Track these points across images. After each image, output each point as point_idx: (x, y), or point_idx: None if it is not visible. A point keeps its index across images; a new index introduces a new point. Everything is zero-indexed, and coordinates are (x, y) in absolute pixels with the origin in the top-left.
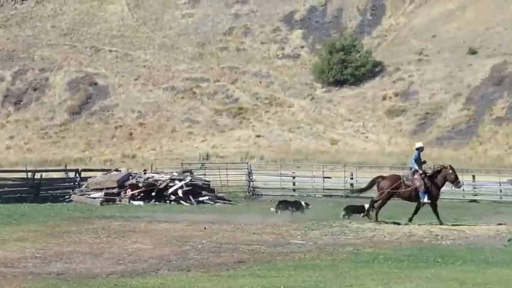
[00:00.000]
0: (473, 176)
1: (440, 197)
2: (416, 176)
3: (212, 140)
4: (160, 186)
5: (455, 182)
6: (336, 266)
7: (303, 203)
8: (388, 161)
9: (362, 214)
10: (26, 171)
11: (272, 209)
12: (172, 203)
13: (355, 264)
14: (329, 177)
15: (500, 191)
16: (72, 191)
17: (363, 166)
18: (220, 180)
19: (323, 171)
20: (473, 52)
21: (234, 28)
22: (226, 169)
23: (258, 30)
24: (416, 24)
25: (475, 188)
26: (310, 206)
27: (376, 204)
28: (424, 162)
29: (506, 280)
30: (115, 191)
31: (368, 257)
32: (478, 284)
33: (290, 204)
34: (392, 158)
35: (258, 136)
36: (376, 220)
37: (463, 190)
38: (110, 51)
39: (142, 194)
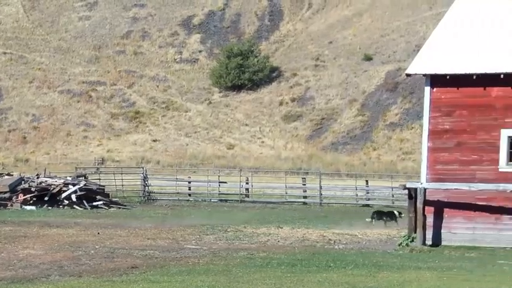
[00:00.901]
0: (367, 181)
1: (334, 201)
2: None
3: (108, 144)
4: (54, 191)
5: None
6: (230, 271)
7: (396, 212)
8: (284, 165)
9: None
10: None
11: (367, 219)
12: (65, 207)
13: (249, 268)
14: (225, 182)
15: (393, 195)
16: None
17: (258, 171)
18: (115, 185)
19: (219, 176)
20: (368, 58)
21: (131, 32)
22: (122, 173)
23: (156, 34)
24: (314, 30)
25: (368, 193)
26: (402, 215)
27: None
28: None
29: (396, 284)
30: (6, 195)
31: (261, 261)
32: (369, 287)
33: (385, 215)
34: (288, 162)
35: (155, 140)
36: None
37: (357, 195)
38: (4, 53)
39: (34, 199)
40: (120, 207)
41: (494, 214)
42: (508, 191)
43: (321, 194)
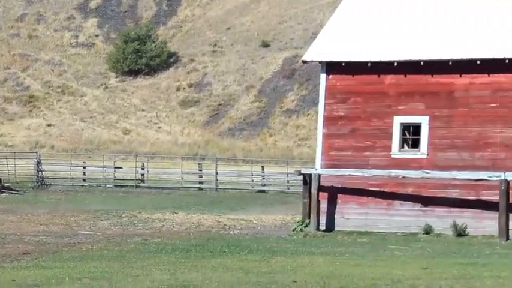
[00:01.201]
0: (263, 167)
1: (230, 187)
2: None
3: (0, 129)
4: None
5: None
6: (123, 257)
7: None
8: (181, 151)
9: None
10: None
11: None
12: None
13: (143, 254)
14: (120, 167)
15: (288, 181)
16: None
17: (155, 156)
18: (8, 170)
19: (114, 161)
20: (266, 45)
21: (26, 14)
22: (14, 158)
23: (52, 17)
24: (212, 16)
25: (263, 179)
26: None
27: None
28: None
29: (289, 268)
30: None
31: (156, 247)
32: (262, 272)
33: None
34: (185, 148)
35: (49, 125)
36: None
37: (252, 181)
38: None
39: None
40: (12, 193)
41: (386, 200)
42: (400, 177)
43: (217, 180)
